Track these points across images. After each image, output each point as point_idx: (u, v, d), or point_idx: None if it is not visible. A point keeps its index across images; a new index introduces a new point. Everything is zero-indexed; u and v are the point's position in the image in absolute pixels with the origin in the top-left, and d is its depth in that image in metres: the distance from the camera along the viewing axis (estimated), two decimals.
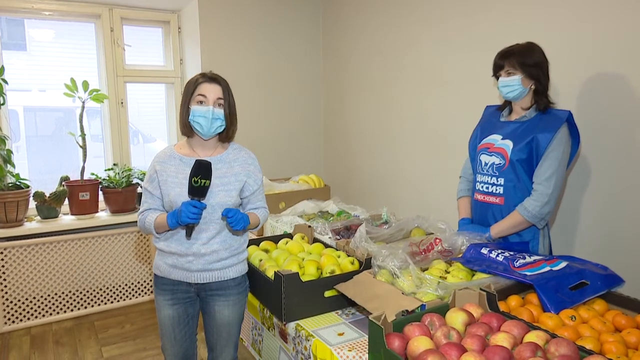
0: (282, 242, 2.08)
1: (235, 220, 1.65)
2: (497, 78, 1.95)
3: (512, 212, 1.89)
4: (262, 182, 1.91)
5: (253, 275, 1.84)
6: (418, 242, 1.84)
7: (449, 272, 1.63)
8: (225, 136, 1.80)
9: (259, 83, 3.76)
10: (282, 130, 3.90)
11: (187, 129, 1.76)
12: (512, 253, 1.67)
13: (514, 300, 1.44)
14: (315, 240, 2.11)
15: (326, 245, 2.01)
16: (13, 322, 3.16)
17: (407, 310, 1.33)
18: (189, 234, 1.68)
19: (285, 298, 1.58)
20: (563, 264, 1.55)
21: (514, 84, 1.89)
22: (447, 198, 2.79)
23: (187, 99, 1.73)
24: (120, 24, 3.54)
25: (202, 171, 1.61)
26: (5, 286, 3.10)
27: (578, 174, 2.18)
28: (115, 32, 3.51)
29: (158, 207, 1.78)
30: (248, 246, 2.02)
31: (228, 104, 1.75)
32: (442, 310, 1.30)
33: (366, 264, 1.70)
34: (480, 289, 1.34)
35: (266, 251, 2.01)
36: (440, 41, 2.89)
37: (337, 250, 1.93)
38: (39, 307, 3.23)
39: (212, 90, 1.72)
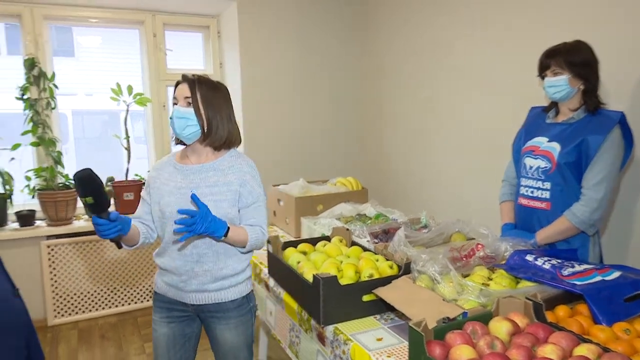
0: (320, 244, 2.07)
1: (202, 219, 1.45)
2: (543, 78, 1.89)
3: (560, 218, 1.82)
4: (262, 199, 1.73)
5: (291, 277, 1.84)
6: (459, 247, 1.79)
7: (491, 279, 1.58)
8: (209, 140, 1.65)
9: (296, 85, 3.78)
10: (319, 133, 3.91)
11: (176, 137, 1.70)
12: (559, 261, 1.60)
13: (562, 311, 1.38)
14: (353, 243, 2.09)
15: (364, 249, 1.98)
16: (62, 315, 3.29)
17: (448, 318, 1.30)
18: (117, 246, 1.58)
19: (323, 301, 1.57)
20: (616, 274, 1.47)
21: (561, 84, 1.81)
22: (489, 202, 2.71)
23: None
24: (163, 29, 3.63)
25: (80, 189, 1.39)
26: (56, 281, 3.23)
27: (632, 178, 2.08)
28: (158, 38, 3.61)
29: (146, 215, 1.73)
30: (285, 248, 2.03)
31: (200, 103, 1.62)
32: (485, 318, 1.26)
33: (405, 269, 1.67)
34: (526, 298, 1.29)
35: (304, 253, 2.01)
36: (480, 40, 2.82)
37: (375, 253, 1.91)
38: (85, 302, 3.35)
39: (180, 90, 1.65)
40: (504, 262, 1.73)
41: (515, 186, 2.09)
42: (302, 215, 2.55)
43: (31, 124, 3.14)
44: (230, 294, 1.70)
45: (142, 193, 1.76)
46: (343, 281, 1.66)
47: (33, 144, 3.17)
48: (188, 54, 3.98)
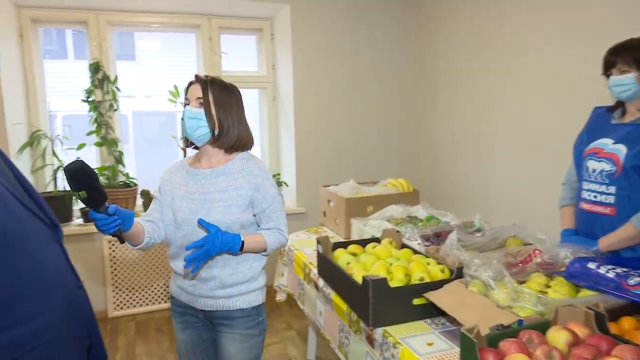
0: (369, 246, 2.05)
1: (211, 242, 1.45)
2: (608, 77, 1.79)
3: (625, 224, 1.72)
4: (278, 200, 1.69)
5: (340, 278, 1.84)
6: (515, 252, 1.73)
7: (549, 287, 1.52)
8: (220, 142, 1.63)
9: (348, 86, 3.78)
10: (370, 134, 3.89)
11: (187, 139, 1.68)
12: (625, 270, 1.51)
13: (627, 323, 1.30)
14: (404, 245, 2.06)
15: (415, 252, 1.96)
16: (121, 308, 3.45)
17: (502, 325, 1.26)
18: (120, 241, 1.53)
19: (372, 303, 1.56)
20: None
21: (628, 82, 1.72)
22: (547, 206, 2.60)
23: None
24: (218, 33, 3.73)
25: (73, 184, 1.29)
26: (115, 275, 3.39)
27: None
28: (213, 41, 3.71)
29: (155, 213, 1.71)
30: (335, 249, 2.03)
31: (212, 103, 1.59)
32: (542, 327, 1.20)
33: (457, 273, 1.63)
34: (587, 307, 1.23)
35: (354, 254, 2.00)
36: (540, 38, 2.71)
37: (426, 257, 1.88)
38: (143, 296, 3.50)
39: (192, 90, 1.63)
40: (563, 269, 1.65)
41: (576, 190, 2.00)
42: (352, 217, 2.55)
43: (95, 124, 3.31)
44: (239, 302, 1.65)
45: (155, 191, 1.76)
46: (393, 283, 1.64)
47: (97, 144, 3.35)
48: (242, 56, 4.08)
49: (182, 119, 1.63)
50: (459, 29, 3.39)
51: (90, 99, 3.31)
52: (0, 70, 2.96)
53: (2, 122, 3.00)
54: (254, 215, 1.66)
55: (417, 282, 1.66)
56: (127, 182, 3.42)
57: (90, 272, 3.37)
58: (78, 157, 1.28)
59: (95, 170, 1.31)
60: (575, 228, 1.99)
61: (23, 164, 3.16)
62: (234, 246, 1.53)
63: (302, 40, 3.61)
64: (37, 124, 3.34)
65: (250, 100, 4.08)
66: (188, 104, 1.63)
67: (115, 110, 3.43)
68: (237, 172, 1.64)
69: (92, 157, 3.43)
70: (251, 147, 1.75)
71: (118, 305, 3.44)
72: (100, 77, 3.33)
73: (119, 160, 3.39)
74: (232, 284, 1.63)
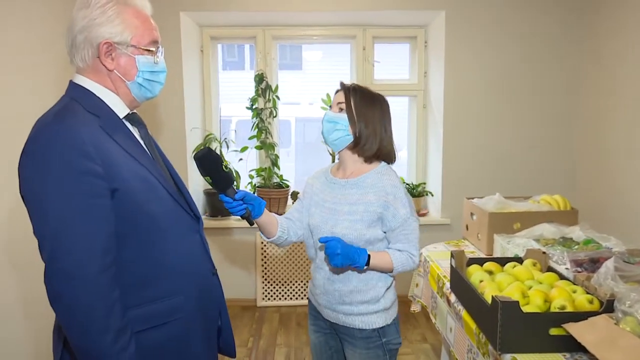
0: (509, 265, 1.91)
1: (332, 254, 1.44)
2: None
3: None
4: (410, 222, 1.61)
5: (471, 296, 1.75)
6: None
7: None
8: (359, 149, 1.62)
9: (503, 93, 3.54)
10: (523, 146, 3.59)
11: None
12: None
13: None
14: (549, 269, 1.87)
15: (561, 277, 1.76)
16: (269, 299, 3.74)
17: None
18: (249, 223, 1.60)
19: (501, 327, 1.45)
20: None
21: None
22: None
23: None
24: (372, 42, 3.82)
25: (200, 169, 1.41)
26: (266, 268, 3.69)
27: None
28: (367, 50, 3.81)
29: (296, 212, 1.74)
30: (470, 264, 1.93)
31: (355, 110, 1.59)
32: None
33: (607, 306, 1.43)
34: None
35: (490, 273, 1.88)
36: None
37: (573, 284, 1.68)
38: (287, 290, 3.74)
39: (335, 97, 1.64)
40: None
41: None
42: (496, 232, 2.39)
43: (256, 130, 3.65)
44: (358, 321, 1.61)
45: (300, 193, 1.83)
46: (527, 308, 1.51)
47: (257, 147, 3.69)
48: (394, 64, 4.11)
49: (322, 123, 1.67)
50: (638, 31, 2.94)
51: (253, 107, 3.66)
52: (183, 81, 3.45)
53: (182, 127, 3.50)
54: (384, 232, 1.63)
55: (556, 310, 1.50)
56: (281, 183, 3.70)
57: (244, 263, 3.73)
58: (206, 146, 1.43)
59: (221, 157, 1.43)
60: None
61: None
62: (358, 259, 1.50)
63: (455, 47, 3.49)
64: (210, 128, 3.81)
65: (400, 107, 4.08)
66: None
67: (275, 116, 3.74)
68: (369, 186, 1.62)
69: (252, 159, 3.79)
70: (393, 160, 1.72)
71: (266, 296, 3.74)
72: (263, 87, 3.66)
73: (274, 163, 3.69)
74: (351, 302, 1.61)
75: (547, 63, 3.53)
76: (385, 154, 1.68)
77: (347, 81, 1.72)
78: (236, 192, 1.49)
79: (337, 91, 1.69)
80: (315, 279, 1.68)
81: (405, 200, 1.62)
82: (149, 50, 1.23)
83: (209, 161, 1.40)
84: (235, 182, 1.42)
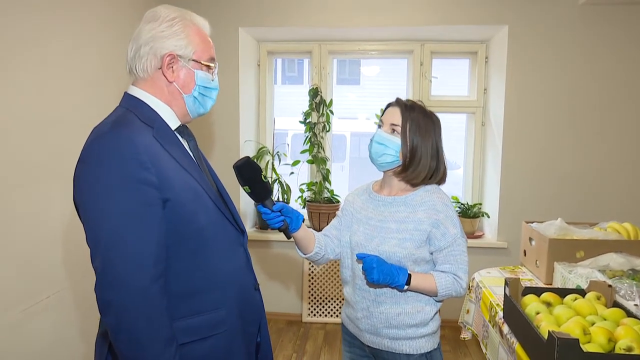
0: (569, 297, 1.77)
1: (369, 268, 1.41)
2: None
3: None
4: (459, 242, 1.54)
5: (525, 328, 1.63)
6: None
7: None
8: (406, 175, 1.55)
9: (570, 113, 3.34)
10: (590, 169, 3.35)
11: None
12: None
13: None
14: (616, 304, 1.72)
15: (628, 314, 1.61)
16: (314, 315, 3.70)
17: None
18: (286, 236, 1.56)
19: None
20: None
21: None
22: None
23: None
24: (430, 57, 3.74)
25: (239, 178, 1.39)
26: (312, 284, 3.66)
27: None
28: (424, 66, 3.73)
29: (333, 229, 1.69)
30: (527, 293, 1.81)
31: (409, 137, 1.51)
32: None
33: None
34: None
35: (548, 304, 1.75)
36: None
37: None
38: (333, 308, 3.69)
39: (389, 114, 1.56)
40: None
41: None
42: (557, 260, 2.23)
43: (309, 144, 3.65)
44: (406, 346, 1.54)
45: (338, 210, 1.77)
46: (589, 347, 1.38)
47: (308, 162, 3.69)
48: (452, 80, 4.00)
49: (371, 140, 1.63)
50: None
51: (307, 121, 3.67)
52: (239, 94, 3.52)
53: (236, 139, 3.56)
54: (431, 253, 1.56)
55: (622, 351, 1.36)
56: (331, 198, 3.67)
57: (291, 278, 3.71)
58: (246, 156, 1.42)
59: (260, 168, 1.42)
60: None
61: None
62: (397, 277, 1.46)
63: (518, 62, 3.35)
64: (264, 141, 3.85)
65: (457, 124, 3.96)
66: (380, 127, 1.61)
67: (328, 131, 3.73)
68: (418, 204, 1.56)
69: (304, 173, 3.79)
70: (443, 182, 1.65)
71: (312, 312, 3.70)
72: (317, 101, 3.67)
73: (325, 177, 3.67)
74: (399, 325, 1.55)
75: (619, 81, 3.30)
76: (432, 178, 1.61)
77: (404, 97, 1.66)
78: (274, 204, 1.48)
79: (389, 105, 1.63)
80: (357, 303, 1.61)
81: (456, 220, 1.56)
82: (207, 66, 1.27)
83: (248, 170, 1.39)
84: (272, 194, 1.40)
